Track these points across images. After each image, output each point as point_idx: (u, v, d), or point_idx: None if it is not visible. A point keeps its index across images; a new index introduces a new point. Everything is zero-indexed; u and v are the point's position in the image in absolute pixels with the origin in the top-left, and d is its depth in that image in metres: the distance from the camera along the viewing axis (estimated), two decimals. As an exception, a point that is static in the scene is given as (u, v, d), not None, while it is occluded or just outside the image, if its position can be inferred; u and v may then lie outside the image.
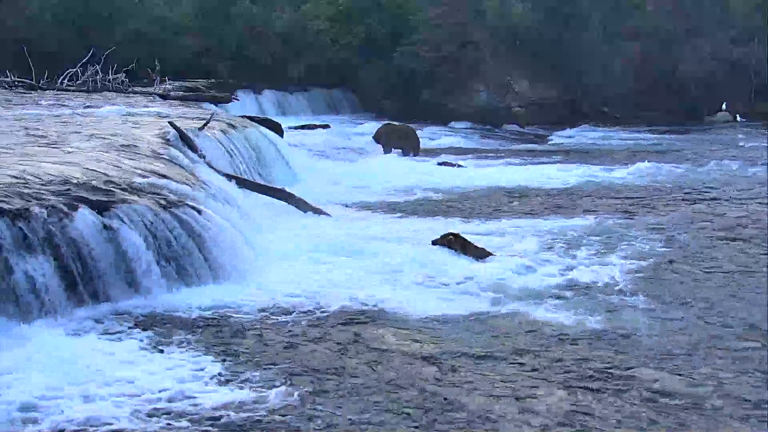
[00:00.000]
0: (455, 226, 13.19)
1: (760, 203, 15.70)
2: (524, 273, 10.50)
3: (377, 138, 25.14)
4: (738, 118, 38.05)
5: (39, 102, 23.06)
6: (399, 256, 10.93)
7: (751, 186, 18.13)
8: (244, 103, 31.43)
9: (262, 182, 15.45)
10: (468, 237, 11.67)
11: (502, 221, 14.09)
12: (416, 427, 6.03)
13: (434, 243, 11.61)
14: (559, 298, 9.47)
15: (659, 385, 6.82)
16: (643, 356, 7.51)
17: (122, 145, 13.27)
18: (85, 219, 8.63)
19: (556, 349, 7.68)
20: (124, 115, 19.89)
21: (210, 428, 5.98)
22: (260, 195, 14.17)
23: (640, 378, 6.97)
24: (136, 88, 29.02)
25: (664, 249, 11.96)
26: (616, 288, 9.84)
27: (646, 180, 19.50)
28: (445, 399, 6.50)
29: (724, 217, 14.58)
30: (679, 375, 7.07)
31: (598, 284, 9.99)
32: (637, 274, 10.46)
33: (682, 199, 16.68)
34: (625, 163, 22.10)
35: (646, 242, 12.36)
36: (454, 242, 11.48)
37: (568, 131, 33.62)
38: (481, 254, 11.22)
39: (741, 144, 28.03)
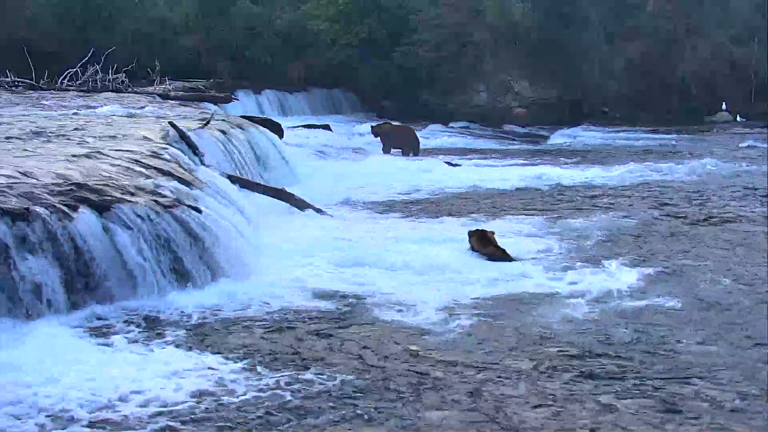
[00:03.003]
0: (457, 226, 13.17)
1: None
2: (550, 277, 10.14)
3: (375, 133, 25.16)
4: (738, 118, 38.03)
5: (39, 102, 23.06)
6: (400, 255, 10.92)
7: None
8: (244, 103, 31.42)
9: (263, 182, 15.45)
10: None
11: (507, 221, 14.00)
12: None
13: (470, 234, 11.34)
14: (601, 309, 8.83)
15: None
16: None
17: (122, 145, 13.26)
18: (85, 219, 8.62)
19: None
20: (123, 115, 19.90)
21: (211, 426, 5.98)
22: (260, 195, 14.17)
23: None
24: (136, 88, 29.02)
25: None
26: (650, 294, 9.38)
27: (652, 179, 19.50)
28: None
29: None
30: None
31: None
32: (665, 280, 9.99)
33: (696, 198, 16.72)
34: (626, 163, 22.11)
35: (670, 245, 12.16)
36: (472, 239, 11.21)
37: (569, 131, 33.60)
38: (500, 256, 10.85)
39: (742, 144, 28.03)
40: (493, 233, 11.38)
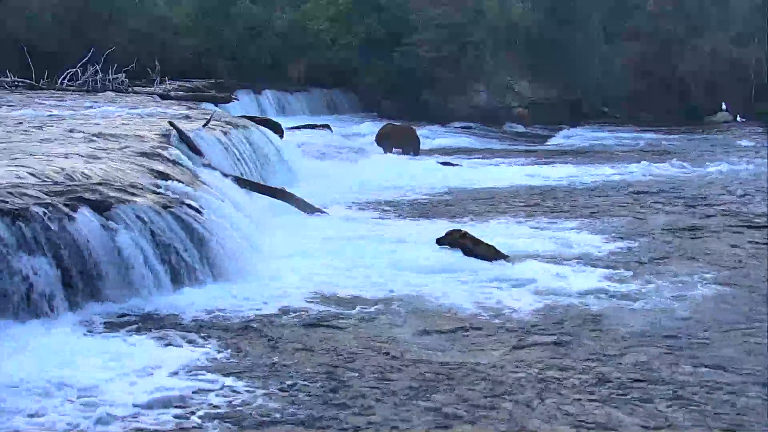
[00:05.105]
0: (457, 227, 13.13)
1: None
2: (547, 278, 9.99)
3: (378, 140, 25.18)
4: (738, 118, 38.07)
5: (39, 102, 23.05)
6: (401, 256, 10.90)
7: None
8: (244, 103, 31.41)
9: (262, 182, 15.44)
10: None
11: (507, 222, 13.98)
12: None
13: (439, 242, 11.15)
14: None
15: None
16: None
17: (122, 145, 13.26)
18: (85, 219, 8.62)
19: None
20: (123, 115, 19.88)
21: (210, 426, 5.97)
22: (260, 195, 14.16)
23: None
24: (136, 88, 29.03)
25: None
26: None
27: (652, 179, 19.47)
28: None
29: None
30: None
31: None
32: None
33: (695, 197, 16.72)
34: (626, 163, 22.10)
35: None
36: (462, 240, 10.98)
37: (568, 131, 33.63)
38: (493, 255, 10.71)
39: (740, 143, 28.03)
40: (466, 233, 11.15)
